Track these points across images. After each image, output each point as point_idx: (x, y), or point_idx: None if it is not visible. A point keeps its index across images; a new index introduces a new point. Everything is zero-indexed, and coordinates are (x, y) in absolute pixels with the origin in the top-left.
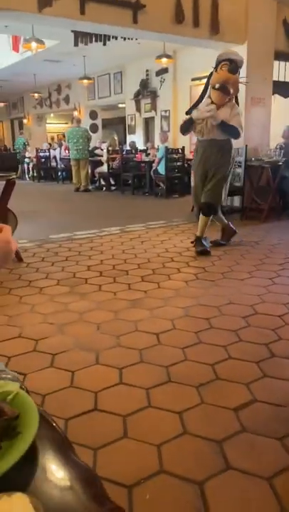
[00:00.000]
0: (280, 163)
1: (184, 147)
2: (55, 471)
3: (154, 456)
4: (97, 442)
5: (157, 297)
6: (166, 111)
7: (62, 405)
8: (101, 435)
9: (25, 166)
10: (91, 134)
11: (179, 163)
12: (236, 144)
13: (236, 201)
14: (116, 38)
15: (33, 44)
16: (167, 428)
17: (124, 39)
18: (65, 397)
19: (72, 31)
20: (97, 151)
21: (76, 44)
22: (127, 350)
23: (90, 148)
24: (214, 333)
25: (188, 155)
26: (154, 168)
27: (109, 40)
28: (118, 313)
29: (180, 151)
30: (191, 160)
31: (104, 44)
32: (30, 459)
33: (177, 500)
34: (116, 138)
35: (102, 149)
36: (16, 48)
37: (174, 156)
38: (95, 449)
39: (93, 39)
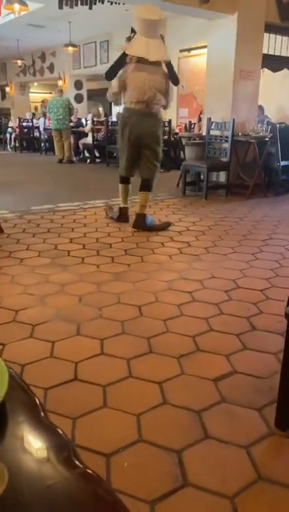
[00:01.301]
0: (267, 139)
1: (170, 120)
2: (26, 434)
3: (133, 426)
4: (76, 412)
5: (141, 270)
6: None
7: (42, 375)
8: (80, 405)
9: (8, 135)
10: (74, 104)
11: (165, 137)
12: (225, 117)
13: (222, 177)
14: (102, 2)
15: (16, 6)
16: (147, 398)
17: (111, 3)
18: (44, 368)
19: None
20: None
21: (61, 7)
22: (109, 322)
23: (75, 121)
24: (196, 306)
25: (176, 129)
26: None
27: (95, 4)
28: (101, 285)
29: (166, 124)
30: (177, 134)
31: (91, 8)
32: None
33: (155, 468)
34: (100, 109)
35: (86, 119)
36: None
37: None
38: (74, 418)
39: (78, 2)
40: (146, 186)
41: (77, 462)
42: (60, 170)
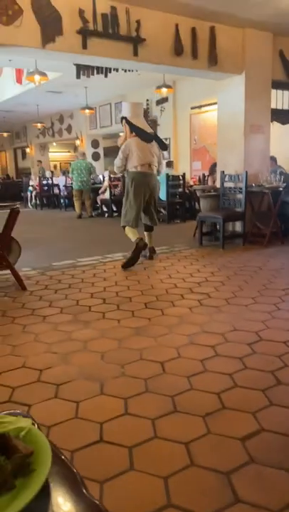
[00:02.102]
0: (281, 189)
1: (184, 174)
2: (67, 508)
3: (161, 489)
4: (103, 475)
5: (161, 324)
6: (166, 139)
7: (68, 437)
8: (107, 467)
9: (29, 194)
10: (91, 161)
11: (180, 190)
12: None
13: (238, 226)
14: (117, 70)
15: (36, 76)
16: (174, 459)
17: (125, 71)
18: (70, 429)
19: (74, 64)
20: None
21: (78, 77)
22: (132, 380)
23: (93, 180)
24: (219, 360)
25: (190, 181)
26: None
27: (110, 72)
28: (122, 341)
29: (181, 177)
30: (192, 186)
31: (106, 76)
32: (43, 496)
33: None
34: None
35: (103, 176)
36: (19, 80)
37: (175, 182)
38: (101, 481)
39: (95, 71)
40: (152, 228)
41: None
42: (79, 225)
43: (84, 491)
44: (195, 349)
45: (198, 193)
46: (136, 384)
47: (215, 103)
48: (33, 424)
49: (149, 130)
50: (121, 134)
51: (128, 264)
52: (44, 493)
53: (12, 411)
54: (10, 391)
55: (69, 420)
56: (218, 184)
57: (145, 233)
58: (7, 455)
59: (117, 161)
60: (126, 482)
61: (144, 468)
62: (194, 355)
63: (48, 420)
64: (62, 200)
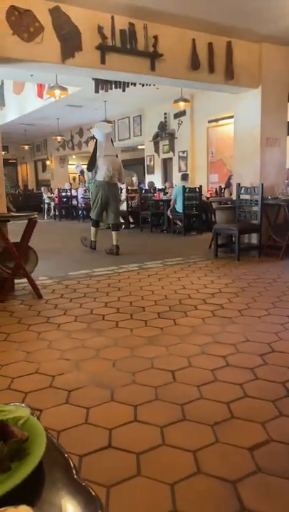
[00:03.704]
0: None
1: (201, 186)
2: (60, 489)
3: (168, 496)
4: (110, 480)
5: (174, 334)
6: (183, 152)
7: (77, 442)
8: (114, 472)
9: (46, 205)
10: None
11: (196, 202)
12: (254, 182)
13: (254, 238)
14: (134, 85)
15: (57, 91)
16: (181, 467)
17: (143, 85)
18: (79, 434)
19: (93, 79)
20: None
21: (97, 91)
22: (142, 388)
23: None
24: (230, 370)
25: (206, 193)
26: (171, 207)
27: (128, 86)
28: (134, 349)
29: (197, 189)
30: (208, 198)
31: (124, 90)
32: (37, 478)
33: None
34: (134, 178)
35: (121, 188)
36: (40, 95)
37: (192, 194)
38: (108, 486)
39: (113, 86)
40: (116, 228)
41: None
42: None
43: (75, 475)
44: (206, 359)
45: (214, 205)
46: (146, 392)
47: (231, 116)
48: (32, 414)
49: (114, 152)
50: (138, 146)
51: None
52: (38, 476)
53: (15, 404)
54: (22, 396)
55: (79, 426)
56: (234, 196)
57: (112, 232)
58: (4, 440)
59: (90, 176)
60: (133, 488)
61: (151, 474)
62: (205, 365)
63: (59, 425)
64: (80, 212)
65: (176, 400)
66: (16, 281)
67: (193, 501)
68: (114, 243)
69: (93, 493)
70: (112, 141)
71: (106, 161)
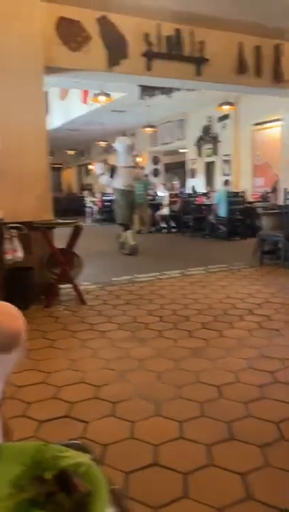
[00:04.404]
0: None
1: (245, 191)
2: None
3: None
4: (156, 501)
5: (219, 346)
6: (227, 155)
7: (123, 457)
8: (161, 493)
9: (88, 209)
10: (152, 178)
11: (240, 206)
12: None
13: None
14: (179, 90)
15: (101, 98)
16: (230, 490)
17: (188, 89)
18: (125, 449)
19: (138, 85)
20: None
21: (142, 97)
22: (188, 403)
23: (153, 194)
24: (279, 387)
25: (251, 198)
26: (213, 212)
27: (173, 92)
28: (179, 361)
29: (241, 194)
30: (252, 203)
31: (169, 96)
32: None
33: None
34: (175, 182)
35: (160, 192)
36: (85, 101)
37: (236, 199)
38: (155, 507)
39: (158, 92)
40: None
41: None
42: (138, 241)
43: None
44: (253, 374)
45: (259, 211)
46: (192, 407)
47: (279, 119)
48: (93, 460)
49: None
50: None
51: None
52: None
53: (72, 441)
54: (68, 406)
55: (124, 440)
56: (281, 201)
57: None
58: (67, 492)
59: (105, 183)
60: (180, 511)
61: (199, 497)
62: (252, 381)
63: (104, 439)
64: None
65: (222, 418)
66: (61, 286)
67: None
68: (134, 242)
69: None
70: (132, 152)
71: (125, 172)
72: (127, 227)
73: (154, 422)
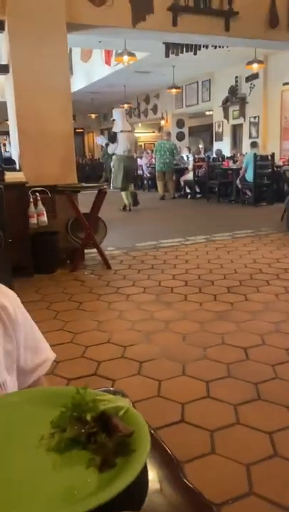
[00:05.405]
0: None
1: (273, 153)
2: (167, 493)
3: (243, 477)
4: (184, 455)
5: (245, 310)
6: (255, 117)
7: (150, 414)
8: (189, 448)
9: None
10: (176, 141)
11: (268, 170)
12: None
13: None
14: (206, 47)
15: (125, 57)
16: (257, 448)
17: (215, 47)
18: (152, 406)
19: (163, 43)
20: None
21: (167, 55)
22: (214, 364)
23: (177, 158)
24: None
25: (279, 161)
26: (241, 176)
27: (200, 49)
28: (204, 324)
29: (269, 157)
30: (281, 167)
31: (195, 54)
32: (141, 478)
33: None
34: (201, 146)
35: (187, 156)
36: (108, 62)
37: (263, 163)
38: (182, 462)
39: (184, 49)
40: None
41: None
42: (162, 206)
43: (182, 477)
44: (281, 337)
45: (287, 174)
46: (218, 368)
47: None
48: (131, 404)
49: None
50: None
51: None
52: (142, 476)
53: (111, 388)
54: (96, 365)
55: (151, 398)
56: None
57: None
58: (108, 433)
59: (112, 148)
60: (207, 465)
61: (226, 453)
62: (280, 344)
63: (132, 396)
64: (145, 181)
65: (249, 379)
66: (86, 250)
67: (271, 484)
68: (127, 202)
69: (203, 496)
70: (127, 119)
71: (124, 136)
72: (124, 188)
73: (180, 381)
